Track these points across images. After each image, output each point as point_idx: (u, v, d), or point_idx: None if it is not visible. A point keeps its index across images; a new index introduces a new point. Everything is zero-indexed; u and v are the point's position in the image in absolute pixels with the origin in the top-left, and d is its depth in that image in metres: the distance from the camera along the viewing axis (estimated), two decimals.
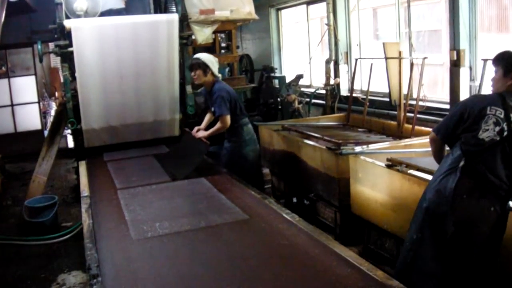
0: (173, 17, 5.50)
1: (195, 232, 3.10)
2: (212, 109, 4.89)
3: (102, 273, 2.53)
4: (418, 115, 5.18)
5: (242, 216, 3.29)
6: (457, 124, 2.80)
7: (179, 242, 2.96)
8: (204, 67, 4.80)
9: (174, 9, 6.17)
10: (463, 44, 4.89)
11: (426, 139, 4.67)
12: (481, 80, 4.16)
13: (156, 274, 2.56)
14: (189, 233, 3.08)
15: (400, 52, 5.44)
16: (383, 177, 3.98)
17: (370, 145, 4.50)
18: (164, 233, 3.08)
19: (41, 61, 5.88)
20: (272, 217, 3.24)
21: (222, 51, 7.43)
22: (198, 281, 2.47)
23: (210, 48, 7.20)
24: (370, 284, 2.25)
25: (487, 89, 4.20)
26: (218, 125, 4.77)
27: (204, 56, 4.89)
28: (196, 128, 4.86)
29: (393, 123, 5.53)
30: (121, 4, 6.28)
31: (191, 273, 2.56)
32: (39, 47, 5.43)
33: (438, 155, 3.08)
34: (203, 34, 6.44)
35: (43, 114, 10.78)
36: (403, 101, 5.36)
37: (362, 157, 4.23)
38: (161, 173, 4.61)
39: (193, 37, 6.27)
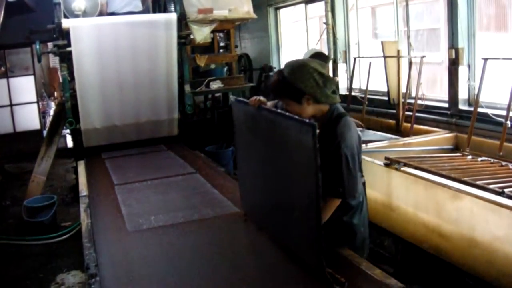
0: (172, 17, 5.50)
1: (189, 224, 3.19)
2: None
3: (98, 263, 2.59)
4: (417, 114, 5.19)
5: (233, 209, 3.37)
6: None
7: (173, 234, 3.06)
8: None
9: (172, 8, 6.17)
10: (462, 42, 4.89)
11: (424, 138, 4.71)
12: (481, 79, 4.15)
13: (150, 263, 2.65)
14: (183, 225, 3.17)
15: (398, 51, 5.44)
16: (381, 176, 3.99)
17: (368, 144, 4.50)
18: (159, 226, 3.18)
19: (39, 61, 5.87)
20: None
21: (221, 50, 7.41)
22: (190, 270, 2.54)
23: (208, 48, 7.19)
24: (368, 282, 2.25)
25: (486, 88, 4.23)
26: None
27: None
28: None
29: (392, 121, 5.54)
30: (140, 7, 6.26)
31: (183, 263, 2.64)
32: (37, 47, 5.42)
33: None
34: (201, 34, 6.42)
35: (42, 114, 10.75)
36: (401, 100, 5.37)
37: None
38: (156, 169, 4.68)
39: (192, 36, 6.26)
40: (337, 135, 2.43)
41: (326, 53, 7.34)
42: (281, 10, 9.55)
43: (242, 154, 3.09)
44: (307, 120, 2.14)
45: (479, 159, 4.09)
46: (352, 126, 2.51)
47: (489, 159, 4.04)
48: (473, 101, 4.72)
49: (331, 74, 7.26)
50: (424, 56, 5.08)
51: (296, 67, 2.45)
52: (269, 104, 2.70)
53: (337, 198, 2.46)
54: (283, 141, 2.38)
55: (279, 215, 2.60)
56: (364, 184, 2.81)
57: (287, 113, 2.35)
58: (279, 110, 2.48)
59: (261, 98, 2.65)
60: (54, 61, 12.50)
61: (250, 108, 2.65)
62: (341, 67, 7.32)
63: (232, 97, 3.06)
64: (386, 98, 5.81)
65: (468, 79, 4.95)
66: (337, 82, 7.15)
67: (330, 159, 2.40)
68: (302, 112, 2.47)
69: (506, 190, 3.12)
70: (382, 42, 5.54)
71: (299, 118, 2.24)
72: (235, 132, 3.09)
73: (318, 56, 5.02)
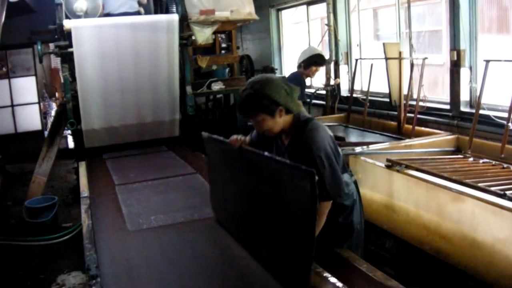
0: (173, 18, 5.51)
1: (188, 224, 3.22)
2: None
3: (99, 262, 2.62)
4: (418, 116, 5.18)
5: None
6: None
7: (173, 233, 3.09)
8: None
9: (174, 9, 6.17)
10: (464, 44, 4.88)
11: (426, 140, 4.70)
12: (483, 81, 4.14)
13: (150, 263, 2.68)
14: (183, 225, 3.20)
15: (400, 53, 5.44)
16: (383, 178, 3.98)
17: (370, 146, 4.50)
18: (159, 225, 3.22)
19: (41, 61, 5.88)
20: None
21: (222, 51, 7.41)
22: (190, 270, 2.57)
23: (210, 49, 7.19)
24: (369, 284, 2.25)
25: (488, 90, 4.22)
26: None
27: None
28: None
29: (393, 123, 5.53)
30: (136, 7, 6.23)
31: (183, 262, 2.67)
32: (39, 47, 5.43)
33: None
34: (203, 35, 6.43)
35: (43, 114, 10.77)
36: (403, 102, 5.36)
37: (362, 158, 4.24)
38: (157, 169, 4.71)
39: (193, 37, 6.27)
40: (306, 140, 2.46)
41: (327, 54, 7.36)
42: (283, 12, 9.55)
43: (217, 181, 3.11)
44: (303, 167, 2.10)
45: (481, 161, 4.08)
46: (320, 128, 2.52)
47: (491, 161, 4.03)
48: (475, 103, 4.71)
49: (332, 75, 7.28)
50: (425, 58, 5.07)
51: (265, 81, 2.48)
52: (248, 139, 2.74)
53: (325, 201, 2.46)
54: (273, 183, 2.38)
55: (265, 243, 2.53)
56: (355, 182, 2.82)
57: (277, 157, 2.35)
58: (266, 153, 2.45)
59: (242, 137, 2.69)
60: (56, 61, 12.52)
61: (228, 145, 2.68)
62: (343, 68, 7.32)
63: (204, 134, 3.10)
64: (387, 99, 5.81)
65: (470, 81, 4.94)
66: (339, 83, 7.16)
67: (306, 165, 2.41)
68: (274, 125, 2.50)
69: (507, 192, 3.11)
70: (383, 44, 5.54)
71: (292, 163, 2.20)
72: (208, 165, 3.16)
73: (317, 57, 5.01)
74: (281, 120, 2.49)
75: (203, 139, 3.06)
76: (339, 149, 2.65)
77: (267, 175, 2.41)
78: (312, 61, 4.97)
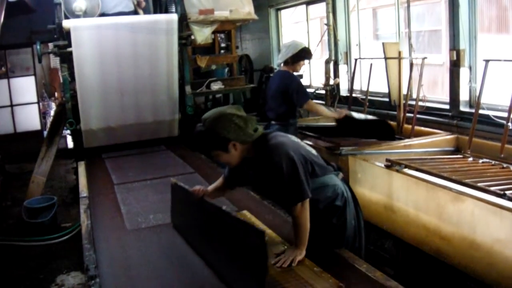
0: (172, 17, 5.50)
1: None
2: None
3: (97, 261, 2.64)
4: (418, 115, 5.18)
5: (232, 208, 3.37)
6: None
7: (171, 232, 3.08)
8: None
9: (173, 9, 6.16)
10: (463, 44, 4.88)
11: (425, 140, 4.69)
12: (482, 81, 4.14)
13: (148, 261, 2.68)
14: None
15: (399, 52, 5.43)
16: (382, 178, 3.98)
17: (370, 146, 4.49)
18: (157, 224, 3.23)
19: (40, 61, 5.87)
20: (260, 209, 3.30)
21: (222, 51, 7.41)
22: (188, 268, 2.57)
23: (209, 49, 7.19)
24: (369, 285, 2.24)
25: (487, 90, 4.22)
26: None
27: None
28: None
29: (393, 123, 5.53)
30: (131, 7, 6.19)
31: (181, 261, 2.68)
32: (38, 47, 5.42)
33: None
34: (202, 34, 6.43)
35: (43, 114, 10.76)
36: (402, 101, 5.36)
37: (361, 158, 4.23)
38: (156, 169, 4.71)
39: (193, 37, 6.26)
40: (267, 154, 2.45)
41: (327, 54, 7.36)
42: (282, 11, 9.55)
43: (181, 224, 3.12)
44: (256, 227, 2.16)
45: (480, 161, 4.08)
46: (278, 136, 2.53)
47: (490, 161, 4.03)
48: (474, 102, 4.71)
49: (332, 75, 7.27)
50: (425, 58, 5.07)
51: (215, 117, 2.46)
52: (210, 188, 2.82)
53: (299, 203, 2.43)
54: (229, 234, 2.44)
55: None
56: (343, 179, 2.81)
57: (232, 214, 2.45)
58: (224, 207, 2.53)
59: (203, 188, 2.75)
60: (55, 61, 12.50)
61: (191, 195, 2.76)
62: (342, 68, 7.32)
63: (172, 180, 3.17)
64: (387, 99, 5.81)
65: (469, 80, 4.94)
66: (338, 83, 7.15)
67: (273, 177, 2.44)
68: (231, 159, 2.51)
69: (507, 192, 3.11)
70: (383, 44, 5.53)
71: (245, 221, 2.28)
72: (172, 208, 3.18)
73: (306, 51, 4.92)
74: (237, 153, 2.49)
75: (171, 185, 3.14)
76: (313, 152, 2.65)
77: (224, 226, 2.48)
78: (301, 55, 4.85)
